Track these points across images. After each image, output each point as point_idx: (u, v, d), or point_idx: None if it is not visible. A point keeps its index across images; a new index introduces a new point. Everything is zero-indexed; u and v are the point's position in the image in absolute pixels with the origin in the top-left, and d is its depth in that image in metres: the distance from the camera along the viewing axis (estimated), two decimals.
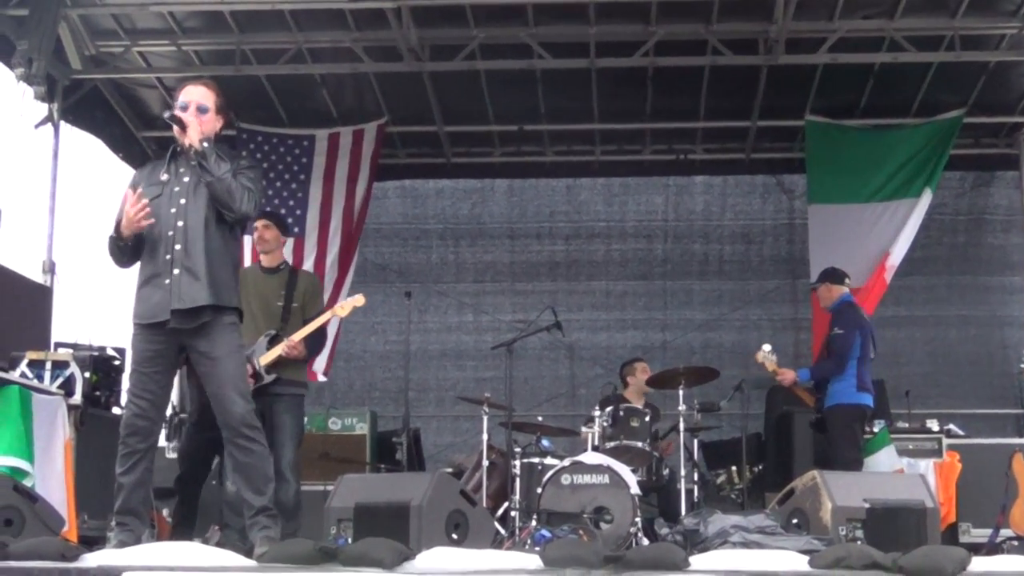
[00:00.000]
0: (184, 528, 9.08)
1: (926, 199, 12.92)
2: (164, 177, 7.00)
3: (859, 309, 10.86)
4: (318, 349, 9.58)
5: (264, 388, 8.85)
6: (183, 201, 6.88)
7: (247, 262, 12.46)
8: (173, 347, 6.87)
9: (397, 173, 14.95)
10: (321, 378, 12.99)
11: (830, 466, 9.30)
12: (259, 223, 9.38)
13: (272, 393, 8.89)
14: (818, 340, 11.37)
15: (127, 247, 6.92)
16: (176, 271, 6.77)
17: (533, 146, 14.63)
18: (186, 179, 6.93)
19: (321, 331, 9.21)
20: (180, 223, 6.84)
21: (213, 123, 7.05)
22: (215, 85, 7.24)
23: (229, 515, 8.46)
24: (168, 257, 6.80)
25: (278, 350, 8.85)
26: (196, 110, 6.97)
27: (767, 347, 10.60)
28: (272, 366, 8.87)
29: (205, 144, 6.85)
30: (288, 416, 8.92)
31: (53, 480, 8.29)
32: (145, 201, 6.79)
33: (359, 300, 9.23)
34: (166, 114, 7.00)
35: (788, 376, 10.48)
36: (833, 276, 10.77)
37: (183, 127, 6.89)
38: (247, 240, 12.72)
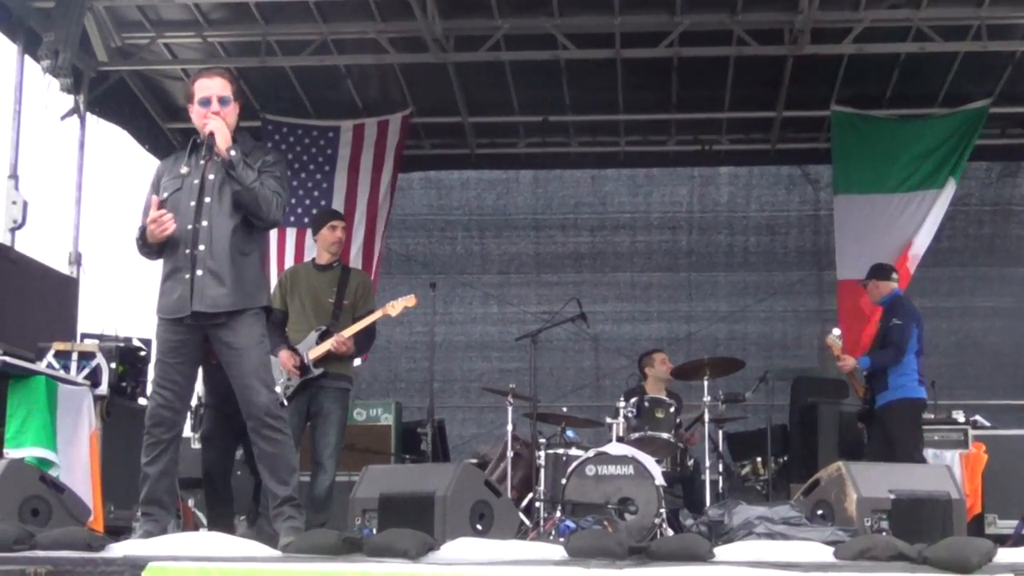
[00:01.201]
0: (218, 522, 9.14)
1: (950, 189, 12.88)
2: (184, 170, 6.97)
3: (911, 303, 10.84)
4: (367, 346, 9.63)
5: (311, 381, 9.02)
6: (207, 200, 6.84)
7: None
8: (197, 337, 6.88)
9: (422, 164, 14.95)
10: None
11: (893, 460, 9.35)
12: (339, 225, 9.52)
13: (318, 386, 9.03)
14: (851, 333, 11.27)
15: (153, 250, 6.94)
16: (200, 272, 6.76)
17: (558, 137, 14.61)
18: (211, 176, 6.87)
19: (371, 328, 9.31)
20: (204, 222, 6.80)
21: (234, 111, 7.01)
22: (228, 73, 7.22)
23: (265, 503, 8.51)
24: (188, 252, 6.79)
25: (327, 345, 8.97)
26: (219, 103, 6.94)
27: (836, 331, 10.59)
28: (320, 360, 8.98)
29: (232, 153, 6.78)
30: (334, 407, 9.06)
31: (78, 470, 8.33)
32: (167, 216, 6.79)
33: (411, 300, 9.31)
34: (206, 133, 6.89)
35: (849, 363, 10.43)
36: (880, 272, 10.77)
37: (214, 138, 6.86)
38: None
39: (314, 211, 12.63)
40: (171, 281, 6.86)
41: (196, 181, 6.89)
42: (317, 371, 8.99)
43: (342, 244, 9.64)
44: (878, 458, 9.64)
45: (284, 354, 8.91)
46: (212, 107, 6.92)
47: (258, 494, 9.13)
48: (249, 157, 6.93)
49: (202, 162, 6.92)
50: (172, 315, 6.82)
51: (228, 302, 6.76)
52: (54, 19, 11.02)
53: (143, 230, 6.86)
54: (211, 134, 6.83)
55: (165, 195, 6.90)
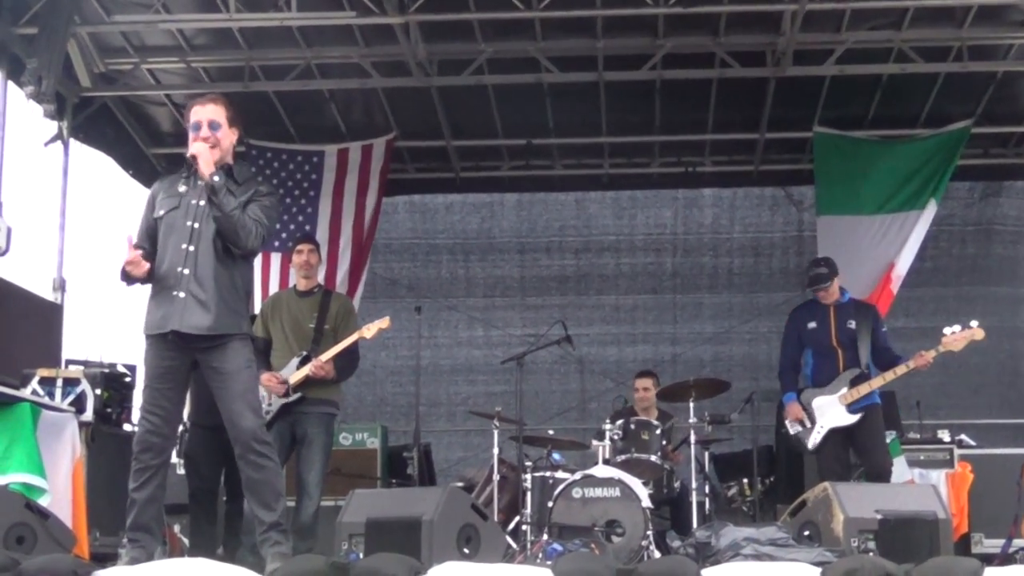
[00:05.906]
0: (203, 546, 9.08)
1: (931, 210, 12.88)
2: (182, 189, 7.00)
3: None
4: (350, 370, 9.52)
5: (293, 406, 8.96)
6: (196, 225, 6.87)
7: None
8: (185, 362, 6.88)
9: (406, 188, 14.95)
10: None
11: (874, 470, 9.30)
12: (305, 248, 9.53)
13: (302, 411, 8.98)
14: None
15: (137, 281, 6.95)
16: (183, 294, 6.78)
17: (542, 160, 14.61)
18: (202, 202, 6.90)
19: (352, 352, 9.26)
20: (192, 248, 6.84)
21: (228, 136, 7.04)
22: (223, 99, 7.20)
23: (244, 531, 8.46)
24: (178, 270, 6.81)
25: (305, 370, 8.92)
26: (209, 127, 6.95)
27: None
28: (300, 386, 8.95)
29: (216, 178, 6.79)
30: (318, 432, 9.00)
31: (62, 497, 8.30)
32: (138, 253, 6.81)
33: (385, 323, 9.27)
34: (189, 157, 6.92)
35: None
36: (837, 268, 10.29)
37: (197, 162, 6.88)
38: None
39: (298, 236, 12.63)
40: (157, 298, 6.87)
41: (192, 201, 6.92)
42: (294, 396, 8.96)
43: (312, 268, 9.54)
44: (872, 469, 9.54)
45: (265, 375, 8.86)
46: (201, 132, 6.95)
47: (236, 524, 9.06)
48: (242, 186, 6.96)
49: (199, 183, 6.92)
50: (156, 331, 6.82)
51: (208, 327, 6.76)
52: (37, 45, 11.01)
53: (124, 271, 6.90)
54: (194, 157, 6.84)
55: (162, 212, 6.95)
